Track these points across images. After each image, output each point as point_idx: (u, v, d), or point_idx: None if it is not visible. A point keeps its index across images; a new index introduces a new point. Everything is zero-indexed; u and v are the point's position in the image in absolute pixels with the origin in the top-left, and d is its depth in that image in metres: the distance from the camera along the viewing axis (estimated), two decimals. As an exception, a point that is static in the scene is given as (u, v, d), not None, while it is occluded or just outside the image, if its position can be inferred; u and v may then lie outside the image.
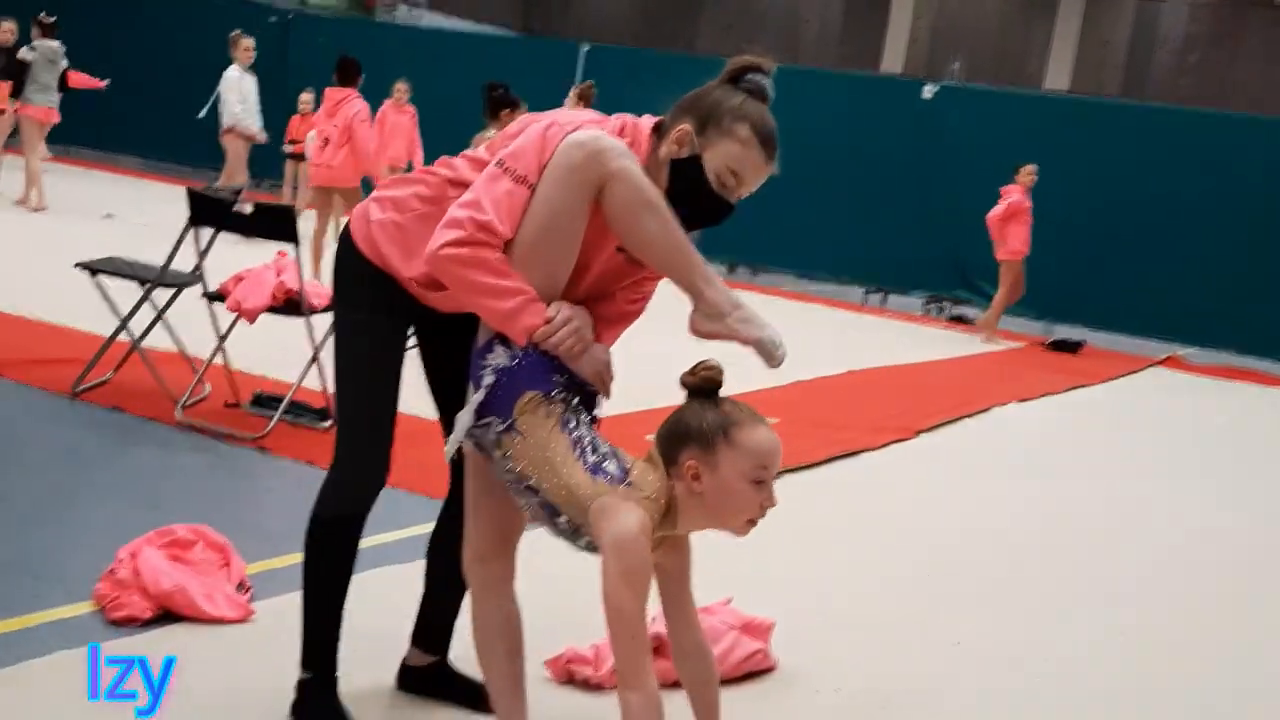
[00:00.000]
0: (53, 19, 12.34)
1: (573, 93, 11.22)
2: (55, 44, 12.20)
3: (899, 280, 14.45)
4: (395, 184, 2.61)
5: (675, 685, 2.61)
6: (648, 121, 2.51)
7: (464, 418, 2.39)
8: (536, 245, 2.37)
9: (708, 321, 2.42)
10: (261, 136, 12.53)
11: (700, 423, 2.32)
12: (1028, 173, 11.78)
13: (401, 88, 13.21)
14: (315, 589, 2.69)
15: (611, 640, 2.24)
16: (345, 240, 2.62)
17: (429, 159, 12.69)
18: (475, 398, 2.38)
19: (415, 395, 2.84)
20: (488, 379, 2.37)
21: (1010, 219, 11.70)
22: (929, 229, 13.76)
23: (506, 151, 2.41)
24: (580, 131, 2.38)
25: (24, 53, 12.03)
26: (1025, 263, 11.85)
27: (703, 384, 2.36)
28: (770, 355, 2.40)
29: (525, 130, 2.44)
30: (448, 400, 2.74)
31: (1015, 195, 11.71)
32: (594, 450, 2.33)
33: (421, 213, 2.52)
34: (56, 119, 12.27)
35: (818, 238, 14.46)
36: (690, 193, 2.42)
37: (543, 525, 2.41)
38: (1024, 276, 11.95)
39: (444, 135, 12.83)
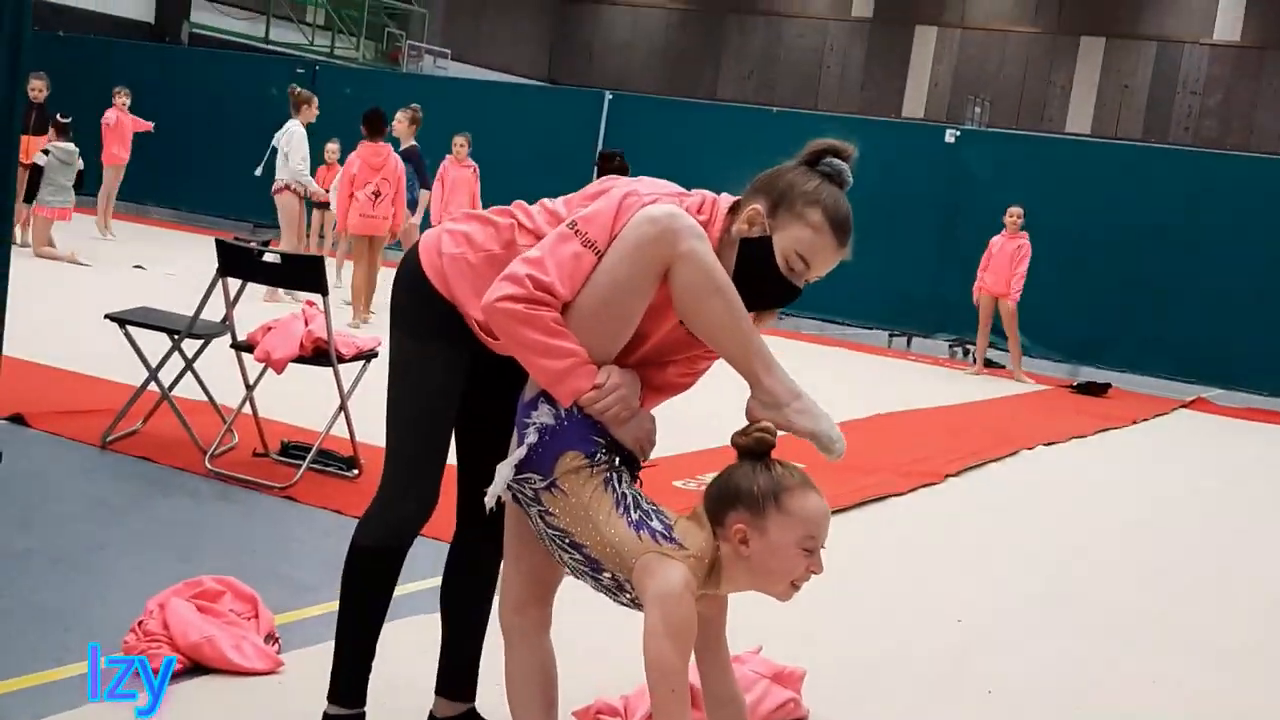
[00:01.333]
0: (68, 119, 12.42)
1: (402, 115, 11.22)
2: (71, 146, 12.31)
3: (923, 324, 14.43)
4: (468, 220, 2.58)
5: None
6: (726, 200, 2.49)
7: (504, 470, 2.39)
8: (595, 314, 2.35)
9: (765, 409, 2.40)
10: (324, 196, 12.50)
11: (751, 485, 2.30)
12: (1008, 215, 12.16)
13: (460, 142, 12.85)
14: (351, 620, 2.67)
15: (652, 696, 2.23)
16: (414, 269, 2.57)
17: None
18: (518, 453, 2.37)
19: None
20: (530, 437, 2.36)
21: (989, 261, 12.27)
22: (952, 272, 13.75)
23: (581, 214, 2.40)
24: (656, 206, 2.36)
25: (39, 158, 12.10)
26: (1016, 305, 12.09)
27: (755, 445, 2.34)
28: (828, 449, 2.37)
29: (604, 194, 2.43)
30: (474, 442, 2.73)
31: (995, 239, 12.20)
32: (637, 507, 2.32)
33: (490, 254, 2.49)
34: (69, 219, 12.35)
35: (841, 281, 14.26)
36: (756, 274, 2.40)
37: (585, 581, 2.40)
38: (988, 313, 12.30)
39: (470, 184, 12.95)
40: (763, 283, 2.41)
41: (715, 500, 2.33)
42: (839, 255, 2.45)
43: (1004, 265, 12.07)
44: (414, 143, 11.58)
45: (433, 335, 2.56)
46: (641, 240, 2.32)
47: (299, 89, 11.37)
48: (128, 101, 14.76)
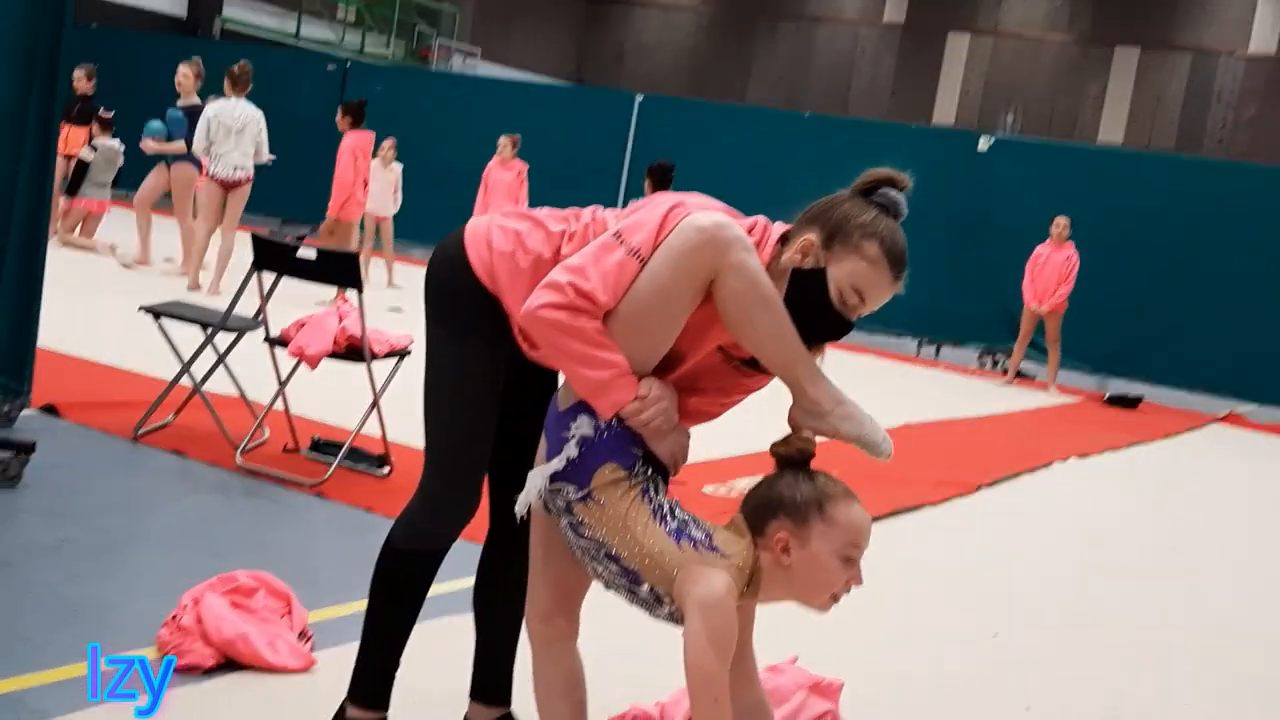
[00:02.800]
0: (110, 114, 12.44)
1: (188, 69, 10.94)
2: (115, 144, 12.35)
3: (952, 333, 14.35)
4: (521, 218, 2.52)
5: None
6: (779, 228, 2.44)
7: (536, 479, 2.35)
8: (637, 322, 2.31)
9: (808, 418, 2.36)
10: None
11: (795, 494, 2.26)
12: (1054, 225, 12.08)
13: (505, 142, 12.62)
14: (380, 622, 2.62)
15: (694, 704, 2.19)
16: (459, 260, 2.51)
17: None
18: (554, 464, 2.33)
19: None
20: (570, 450, 2.32)
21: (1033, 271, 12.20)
22: (983, 281, 13.67)
23: (625, 223, 2.36)
24: (704, 215, 2.31)
25: (85, 153, 12.15)
26: (1062, 314, 12.07)
27: (796, 455, 2.31)
28: (876, 451, 2.34)
29: (651, 204, 2.39)
30: (507, 445, 2.67)
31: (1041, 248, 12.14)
32: (674, 516, 2.29)
33: (539, 258, 2.44)
34: (107, 210, 12.40)
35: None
36: (809, 306, 2.35)
37: (620, 594, 2.36)
38: (1031, 325, 12.27)
39: (500, 183, 12.92)
40: (815, 315, 2.36)
41: (756, 509, 2.29)
42: (894, 289, 2.40)
43: (1051, 276, 11.92)
44: (196, 99, 11.06)
45: (476, 329, 2.50)
46: (686, 247, 2.28)
47: (246, 64, 10.99)
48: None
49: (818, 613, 2.33)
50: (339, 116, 11.11)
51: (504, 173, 12.65)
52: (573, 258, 2.35)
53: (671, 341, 2.36)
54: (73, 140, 12.38)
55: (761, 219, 2.46)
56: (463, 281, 2.49)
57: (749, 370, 2.50)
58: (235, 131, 10.30)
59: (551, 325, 2.29)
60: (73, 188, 12.12)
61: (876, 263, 2.34)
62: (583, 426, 2.33)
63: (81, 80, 12.50)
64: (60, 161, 12.54)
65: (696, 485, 5.42)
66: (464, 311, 2.51)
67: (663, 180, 10.64)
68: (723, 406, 2.59)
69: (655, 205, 2.38)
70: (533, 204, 2.63)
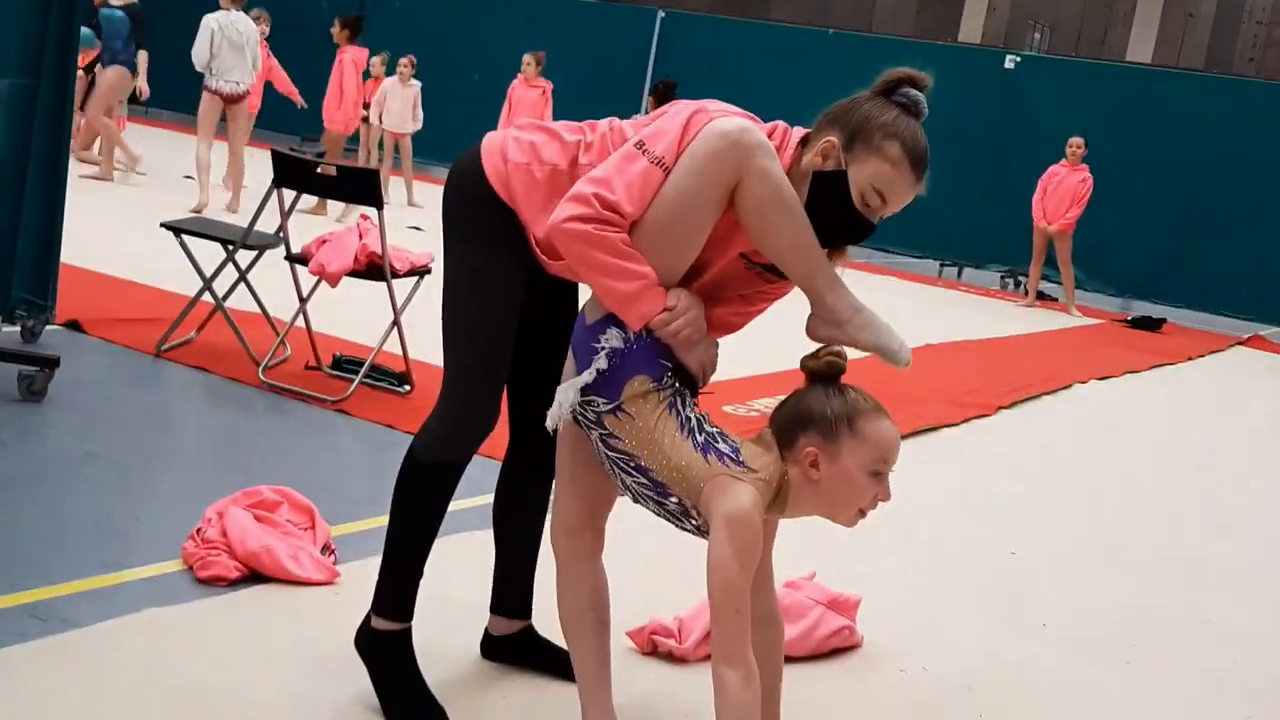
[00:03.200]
0: None
1: None
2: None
3: (974, 254, 14.28)
4: (535, 129, 2.51)
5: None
6: (799, 132, 2.43)
7: (568, 393, 2.35)
8: (664, 230, 2.30)
9: (826, 327, 2.36)
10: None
11: (825, 409, 2.25)
12: (1069, 145, 11.98)
13: (529, 60, 12.41)
14: (403, 534, 2.64)
15: (714, 614, 2.21)
16: (475, 173, 2.50)
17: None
18: (583, 376, 2.33)
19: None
20: (600, 362, 2.32)
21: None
22: (1006, 202, 13.57)
23: (647, 132, 2.34)
24: (727, 120, 2.30)
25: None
26: (1070, 233, 12.00)
27: (826, 369, 2.29)
28: (894, 359, 2.34)
29: (670, 112, 2.36)
30: (527, 360, 2.68)
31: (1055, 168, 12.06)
32: (701, 430, 2.29)
33: (555, 169, 2.44)
34: (123, 127, 12.17)
35: (892, 208, 14.29)
36: (830, 208, 2.33)
37: (648, 506, 2.38)
38: (1043, 244, 12.18)
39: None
40: (836, 217, 2.35)
41: (785, 423, 2.29)
42: (915, 190, 2.37)
43: (1064, 197, 11.88)
44: None
45: (495, 242, 2.49)
46: (711, 153, 2.27)
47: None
48: (266, 29, 12.96)
49: (844, 527, 2.34)
50: (336, 29, 11.07)
51: (528, 91, 12.49)
52: (596, 169, 2.34)
53: (698, 250, 2.36)
54: (88, 58, 12.23)
55: (781, 124, 2.44)
56: (479, 194, 2.48)
57: (770, 275, 2.49)
58: (238, 46, 10.20)
59: (578, 237, 2.28)
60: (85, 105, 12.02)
61: (898, 163, 2.32)
62: (612, 339, 2.33)
63: None
64: (80, 76, 12.41)
65: (717, 404, 5.43)
66: (481, 224, 2.50)
67: (666, 98, 10.63)
68: (746, 316, 2.59)
69: (676, 113, 2.36)
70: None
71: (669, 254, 2.32)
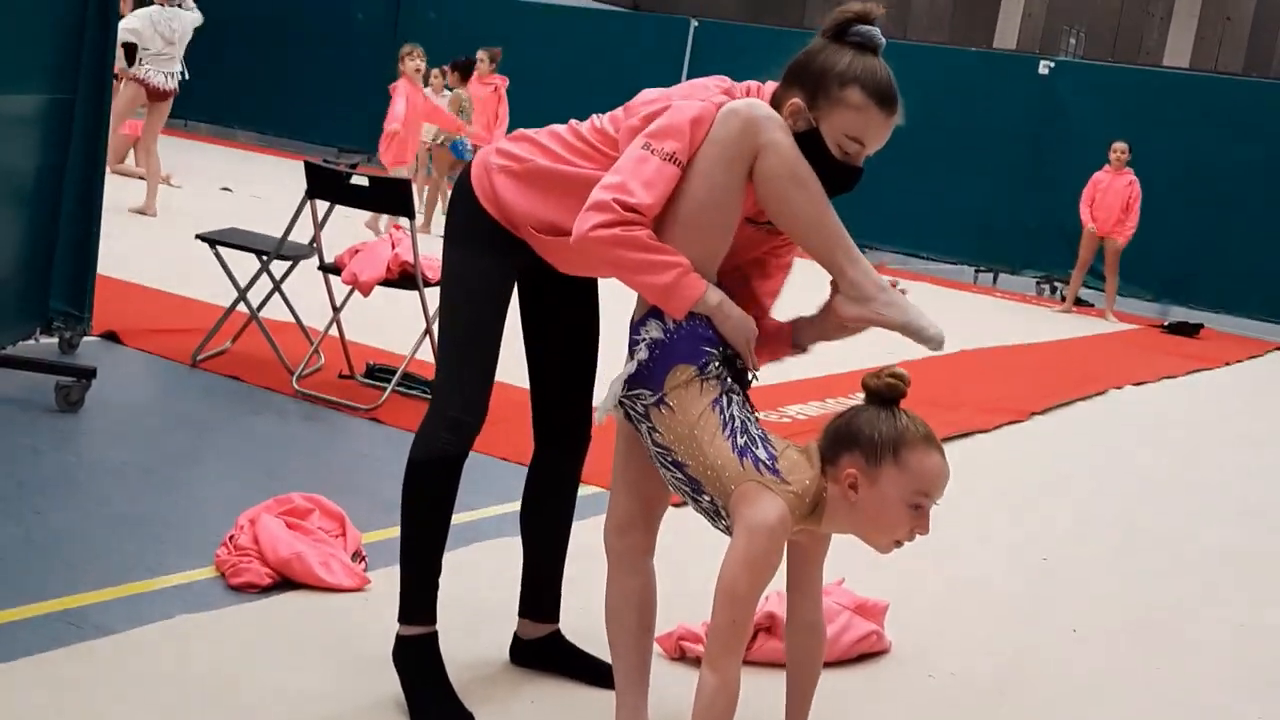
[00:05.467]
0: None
1: None
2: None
3: (1010, 260, 14.20)
4: (517, 139, 2.59)
5: (781, 666, 2.59)
6: (769, 88, 2.46)
7: (615, 386, 2.38)
8: (696, 220, 2.33)
9: (852, 305, 2.36)
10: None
11: (873, 432, 2.23)
12: (1112, 151, 11.90)
13: (483, 56, 12.16)
14: (413, 536, 2.67)
15: (712, 618, 2.22)
16: (465, 188, 2.60)
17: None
18: (627, 368, 2.37)
19: (520, 364, 2.83)
20: (641, 353, 2.35)
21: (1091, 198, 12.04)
22: (1042, 207, 13.50)
23: (650, 130, 2.36)
24: (736, 101, 2.34)
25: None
26: (1126, 244, 11.92)
27: (886, 390, 2.26)
28: (925, 338, 2.32)
29: (664, 110, 2.38)
30: (543, 361, 2.76)
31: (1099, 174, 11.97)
32: (744, 432, 2.28)
33: (534, 166, 2.51)
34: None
35: (926, 215, 14.28)
36: (815, 165, 2.35)
37: (685, 501, 2.40)
38: (1091, 251, 12.09)
39: (553, 111, 12.86)
40: (822, 173, 2.36)
41: (833, 439, 2.27)
42: (891, 123, 2.38)
43: (1114, 202, 11.79)
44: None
45: (476, 245, 2.58)
46: (728, 137, 2.31)
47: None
48: (420, 65, 11.73)
49: (878, 552, 2.33)
50: (449, 72, 11.02)
51: (481, 88, 12.22)
52: (609, 175, 2.37)
53: (731, 235, 2.38)
54: None
55: (754, 83, 2.47)
56: (467, 206, 2.58)
57: (774, 229, 2.50)
58: (170, 41, 9.76)
59: (606, 242, 2.31)
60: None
61: (864, 108, 2.33)
62: (652, 330, 2.36)
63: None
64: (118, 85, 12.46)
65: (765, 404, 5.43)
66: (466, 232, 2.60)
67: (467, 74, 11.52)
68: (769, 295, 2.60)
69: (677, 109, 2.36)
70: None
71: (702, 243, 2.35)
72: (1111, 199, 11.81)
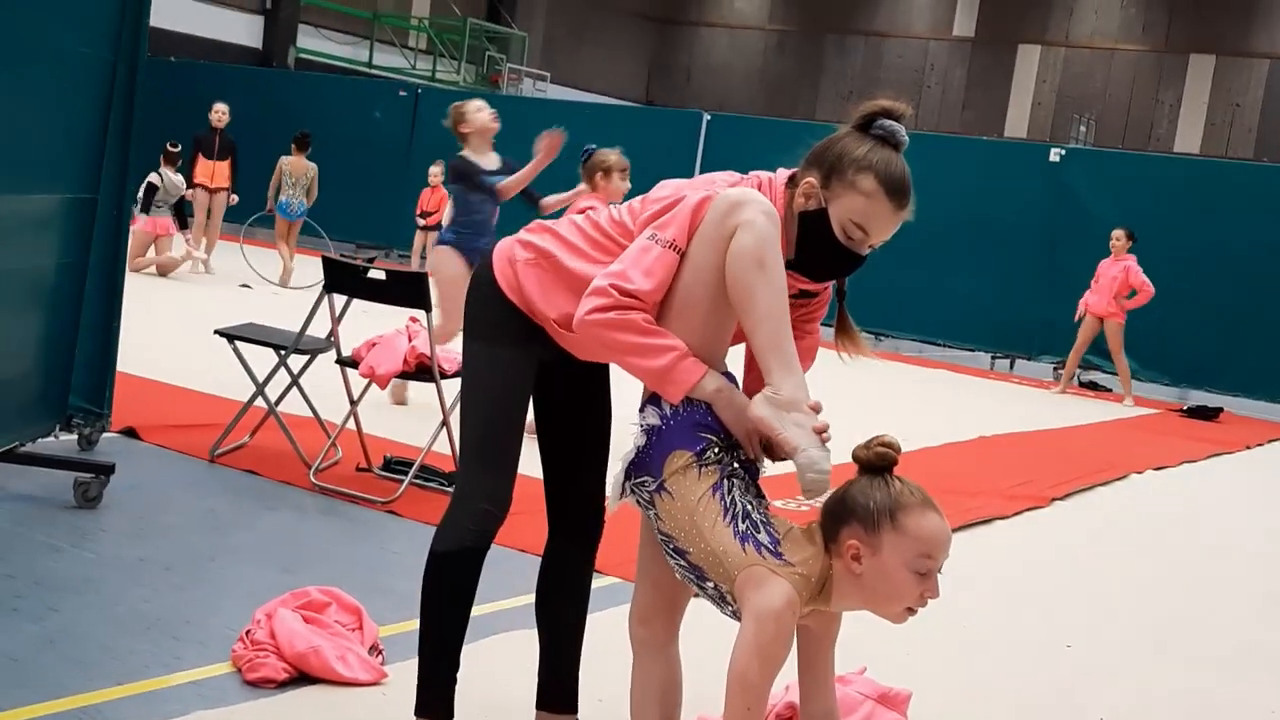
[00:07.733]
0: (178, 149, 12.68)
1: None
2: (179, 180, 12.63)
3: (1026, 346, 14.20)
4: (538, 231, 2.62)
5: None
6: (783, 175, 2.50)
7: (617, 473, 2.40)
8: (689, 304, 2.36)
9: (764, 406, 2.30)
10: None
11: (867, 500, 2.23)
12: (1111, 238, 11.91)
13: (434, 172, 12.87)
14: (433, 628, 2.66)
15: (726, 707, 2.20)
16: (487, 278, 2.61)
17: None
18: (627, 455, 2.38)
19: (536, 455, 2.83)
20: (639, 439, 2.36)
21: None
22: (1057, 293, 13.51)
23: (656, 221, 2.41)
24: (732, 190, 2.39)
25: (153, 178, 12.34)
26: (1120, 326, 11.87)
27: (876, 460, 2.27)
28: (803, 477, 2.24)
29: (675, 202, 2.42)
30: (558, 450, 2.76)
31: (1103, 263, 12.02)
32: (745, 518, 2.28)
33: (557, 261, 2.54)
34: (173, 233, 12.71)
35: (942, 303, 14.31)
36: (817, 246, 2.40)
37: (692, 587, 2.39)
38: (1088, 335, 12.04)
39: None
40: (823, 254, 2.41)
41: (830, 515, 2.28)
42: (898, 218, 2.41)
43: (1107, 287, 11.84)
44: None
45: (499, 338, 2.59)
46: (714, 219, 2.35)
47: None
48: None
49: (892, 623, 2.31)
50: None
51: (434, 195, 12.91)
52: (613, 264, 2.41)
53: (731, 318, 2.40)
54: (217, 177, 13.32)
55: (764, 174, 2.51)
56: (490, 297, 2.60)
57: (795, 300, 2.50)
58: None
59: (601, 325, 2.35)
60: (144, 209, 12.36)
61: (873, 195, 2.37)
62: (650, 416, 2.37)
63: (220, 114, 13.27)
64: (203, 195, 13.34)
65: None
66: (489, 323, 2.61)
67: (303, 146, 12.86)
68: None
69: (685, 200, 2.41)
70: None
71: (702, 328, 2.37)
72: (1104, 284, 11.88)
